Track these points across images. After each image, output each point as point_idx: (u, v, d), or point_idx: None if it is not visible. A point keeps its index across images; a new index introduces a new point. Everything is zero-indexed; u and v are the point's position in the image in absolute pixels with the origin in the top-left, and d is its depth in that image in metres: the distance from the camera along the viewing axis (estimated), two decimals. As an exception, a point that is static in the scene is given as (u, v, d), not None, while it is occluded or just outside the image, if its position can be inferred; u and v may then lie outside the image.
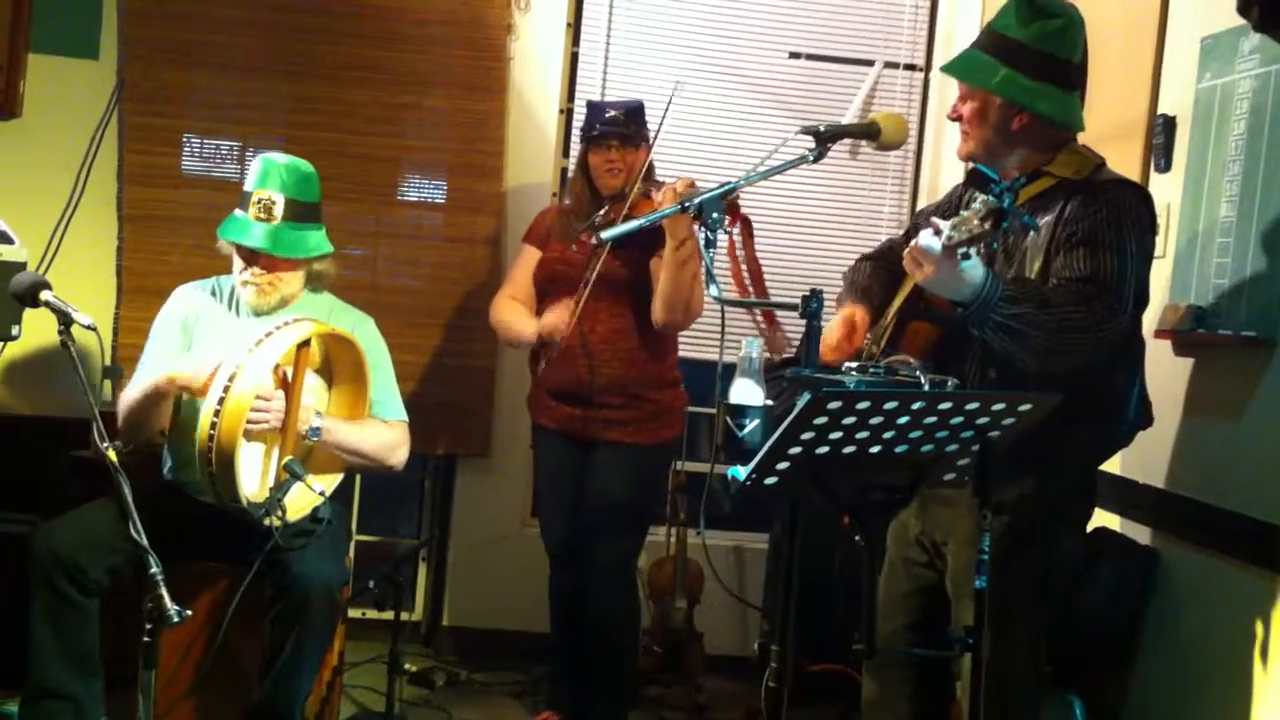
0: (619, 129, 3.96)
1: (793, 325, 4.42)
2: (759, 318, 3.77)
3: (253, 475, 3.36)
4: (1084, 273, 2.68)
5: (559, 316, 3.90)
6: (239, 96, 4.75)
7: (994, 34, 2.87)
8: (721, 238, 4.11)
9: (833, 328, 2.96)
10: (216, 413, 3.16)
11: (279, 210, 3.49)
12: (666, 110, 3.84)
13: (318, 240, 3.60)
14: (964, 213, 2.54)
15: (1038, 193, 2.83)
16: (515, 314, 4.09)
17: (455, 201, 4.93)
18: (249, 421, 3.22)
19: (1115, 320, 2.65)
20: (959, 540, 2.85)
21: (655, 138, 3.99)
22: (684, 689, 4.68)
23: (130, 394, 3.49)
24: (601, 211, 3.98)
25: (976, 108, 2.87)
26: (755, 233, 4.05)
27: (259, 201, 3.49)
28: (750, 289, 4.19)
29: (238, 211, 3.53)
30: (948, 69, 2.96)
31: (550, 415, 4.07)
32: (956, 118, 2.93)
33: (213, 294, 3.68)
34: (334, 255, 3.69)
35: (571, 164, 4.79)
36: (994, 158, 2.90)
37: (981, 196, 2.53)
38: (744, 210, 3.95)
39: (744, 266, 3.98)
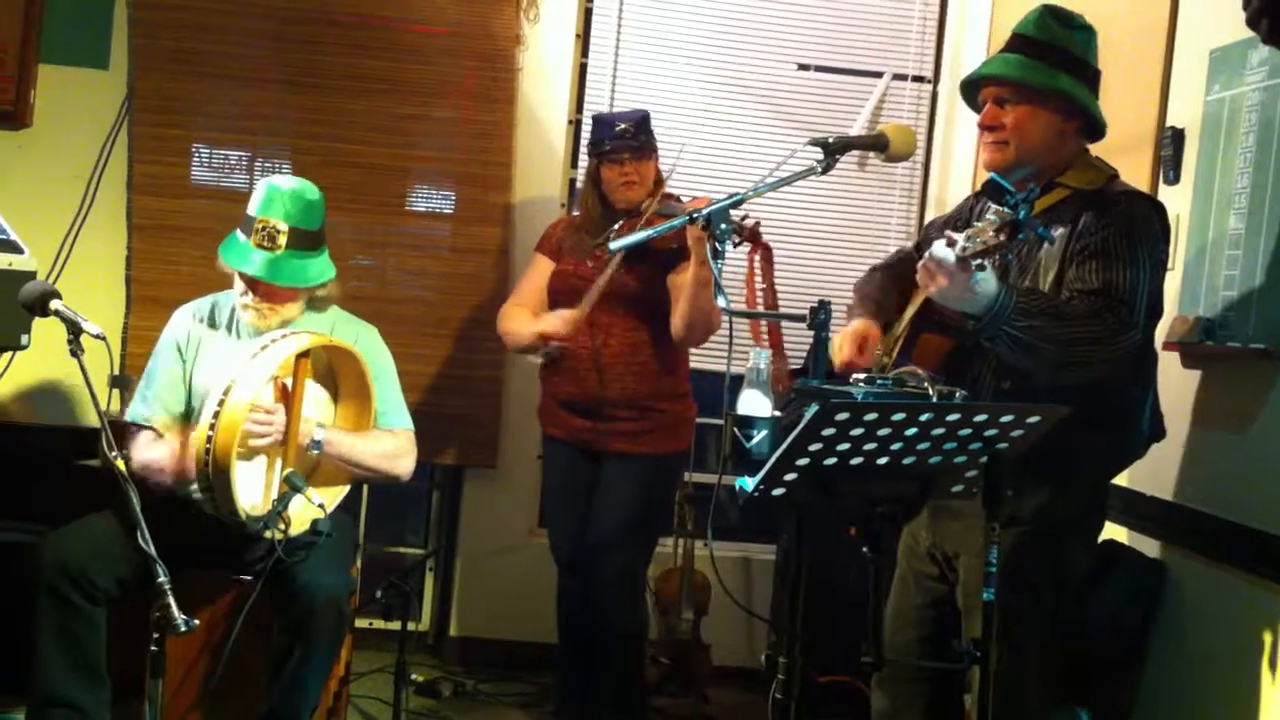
0: (629, 142, 3.96)
1: (801, 336, 4.45)
2: (766, 345, 3.79)
3: (255, 488, 3.37)
4: (1096, 285, 2.67)
5: (561, 320, 3.90)
6: (248, 107, 4.77)
7: (1037, 41, 2.83)
8: (741, 256, 4.16)
9: (843, 340, 2.96)
10: (211, 426, 3.17)
11: (282, 240, 3.47)
12: (671, 171, 4.01)
13: (319, 268, 3.59)
14: (978, 224, 2.52)
15: (1052, 204, 2.81)
16: (519, 320, 4.09)
17: (463, 212, 4.94)
18: (250, 435, 3.22)
19: (1128, 333, 2.65)
20: (971, 553, 2.83)
21: (668, 178, 4.02)
22: (691, 700, 4.67)
23: (139, 458, 3.48)
24: (615, 226, 3.98)
25: (1024, 113, 2.82)
26: (764, 239, 4.07)
27: (262, 229, 3.47)
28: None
29: (240, 235, 3.52)
30: (1001, 73, 2.85)
31: (560, 426, 4.07)
32: (994, 125, 2.86)
33: (211, 315, 3.68)
34: (341, 266, 3.70)
35: (580, 175, 4.80)
36: (1027, 166, 2.84)
37: (995, 207, 2.50)
38: (762, 234, 3.97)
39: (760, 293, 4.00)
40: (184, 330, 3.65)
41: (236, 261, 3.50)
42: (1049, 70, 2.80)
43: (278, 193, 3.51)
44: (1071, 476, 2.79)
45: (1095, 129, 2.89)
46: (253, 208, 3.53)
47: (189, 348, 3.61)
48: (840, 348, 2.93)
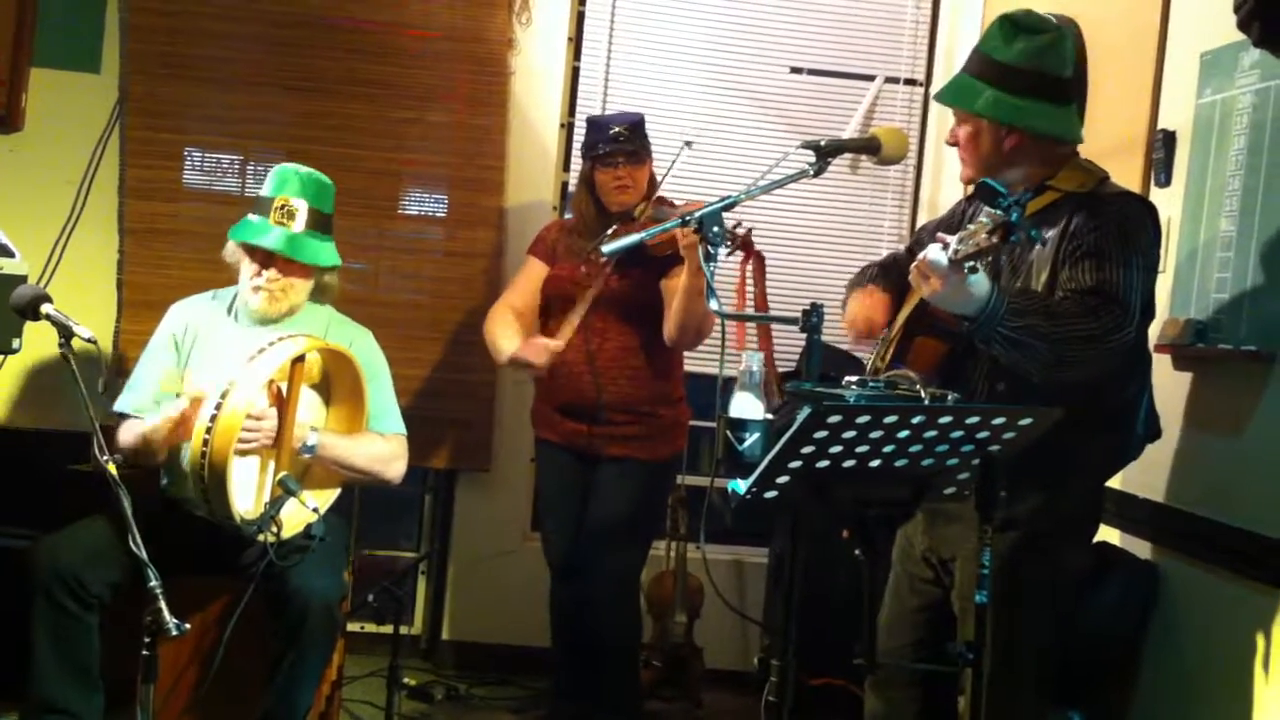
0: (624, 146, 3.96)
1: (793, 339, 4.44)
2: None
3: (248, 491, 3.35)
4: (1089, 284, 2.68)
5: (537, 350, 3.89)
6: (240, 111, 4.76)
7: (980, 56, 2.87)
8: (733, 263, 4.16)
9: (853, 304, 3.02)
10: (208, 430, 3.16)
11: (301, 217, 3.49)
12: (671, 166, 3.96)
13: (330, 252, 3.61)
14: (970, 226, 2.53)
15: (1042, 206, 2.82)
16: (503, 329, 4.07)
17: (456, 216, 4.93)
18: (241, 440, 3.22)
19: (1122, 332, 2.65)
20: (966, 556, 2.83)
21: (661, 180, 4.01)
22: (684, 704, 4.67)
23: (126, 438, 3.48)
24: (610, 230, 3.98)
25: (970, 132, 2.88)
26: (756, 247, 4.07)
27: (281, 207, 3.48)
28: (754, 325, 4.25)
29: (253, 216, 3.52)
30: (939, 96, 2.96)
31: (555, 430, 4.07)
32: (954, 143, 2.93)
33: (211, 304, 3.67)
34: (338, 269, 3.69)
35: (572, 179, 4.80)
36: (995, 178, 2.86)
37: (988, 210, 2.51)
38: (754, 238, 3.97)
39: (750, 300, 3.99)
40: (181, 323, 3.63)
41: (253, 237, 3.49)
42: (976, 89, 2.84)
43: (294, 174, 3.53)
44: (1068, 477, 2.79)
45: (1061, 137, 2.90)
46: (267, 189, 3.54)
47: (185, 340, 3.60)
48: (854, 309, 3.02)
